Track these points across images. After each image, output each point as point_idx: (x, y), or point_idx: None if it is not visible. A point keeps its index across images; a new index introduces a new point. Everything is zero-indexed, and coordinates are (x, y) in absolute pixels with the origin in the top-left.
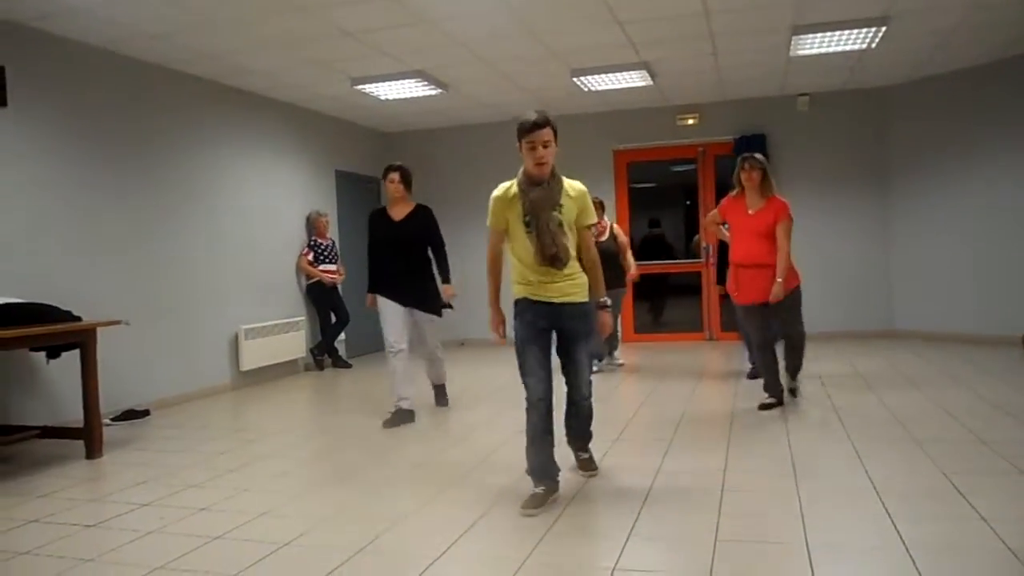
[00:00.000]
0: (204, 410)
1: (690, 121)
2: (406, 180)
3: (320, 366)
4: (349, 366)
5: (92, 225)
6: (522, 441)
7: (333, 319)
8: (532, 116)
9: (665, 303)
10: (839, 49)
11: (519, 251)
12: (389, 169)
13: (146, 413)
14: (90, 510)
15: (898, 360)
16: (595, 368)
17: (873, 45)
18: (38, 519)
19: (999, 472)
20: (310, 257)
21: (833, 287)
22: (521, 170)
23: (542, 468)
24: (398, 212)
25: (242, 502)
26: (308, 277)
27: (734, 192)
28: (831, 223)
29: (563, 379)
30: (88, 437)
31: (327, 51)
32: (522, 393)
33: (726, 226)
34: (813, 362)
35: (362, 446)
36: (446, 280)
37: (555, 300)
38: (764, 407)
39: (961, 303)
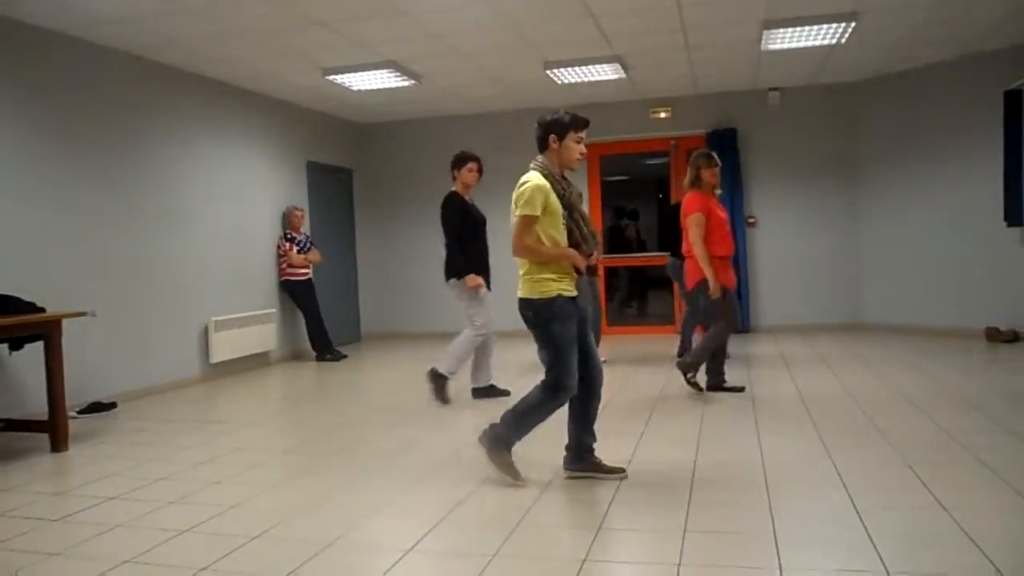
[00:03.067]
0: (173, 402)
1: (663, 115)
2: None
3: (335, 357)
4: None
5: (57, 215)
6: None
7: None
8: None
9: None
10: (809, 44)
11: (558, 241)
12: (468, 158)
13: (113, 405)
14: (56, 504)
15: (864, 352)
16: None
17: (843, 40)
18: (2, 513)
19: (961, 462)
20: (294, 252)
21: (801, 280)
22: (543, 161)
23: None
24: (469, 199)
25: (212, 495)
26: (282, 273)
27: (698, 189)
28: (800, 217)
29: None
30: (53, 430)
31: (298, 40)
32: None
33: None
34: (779, 347)
35: (334, 437)
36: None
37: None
38: (734, 389)
39: (928, 296)
